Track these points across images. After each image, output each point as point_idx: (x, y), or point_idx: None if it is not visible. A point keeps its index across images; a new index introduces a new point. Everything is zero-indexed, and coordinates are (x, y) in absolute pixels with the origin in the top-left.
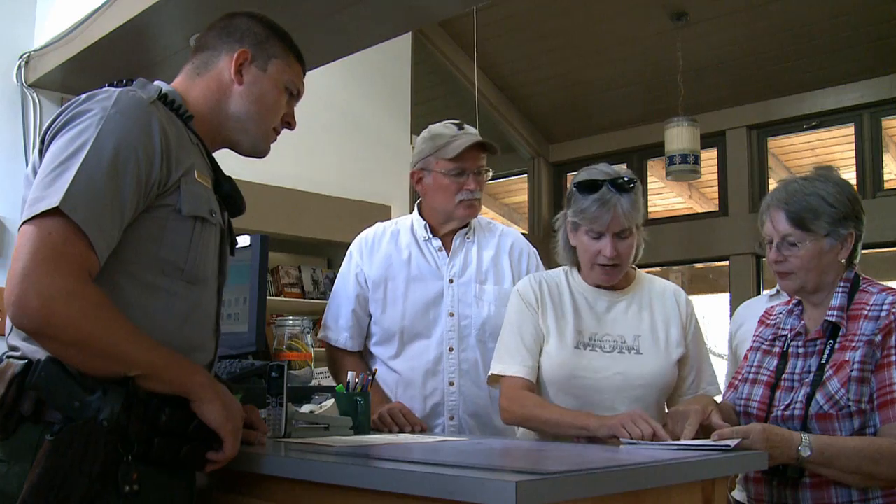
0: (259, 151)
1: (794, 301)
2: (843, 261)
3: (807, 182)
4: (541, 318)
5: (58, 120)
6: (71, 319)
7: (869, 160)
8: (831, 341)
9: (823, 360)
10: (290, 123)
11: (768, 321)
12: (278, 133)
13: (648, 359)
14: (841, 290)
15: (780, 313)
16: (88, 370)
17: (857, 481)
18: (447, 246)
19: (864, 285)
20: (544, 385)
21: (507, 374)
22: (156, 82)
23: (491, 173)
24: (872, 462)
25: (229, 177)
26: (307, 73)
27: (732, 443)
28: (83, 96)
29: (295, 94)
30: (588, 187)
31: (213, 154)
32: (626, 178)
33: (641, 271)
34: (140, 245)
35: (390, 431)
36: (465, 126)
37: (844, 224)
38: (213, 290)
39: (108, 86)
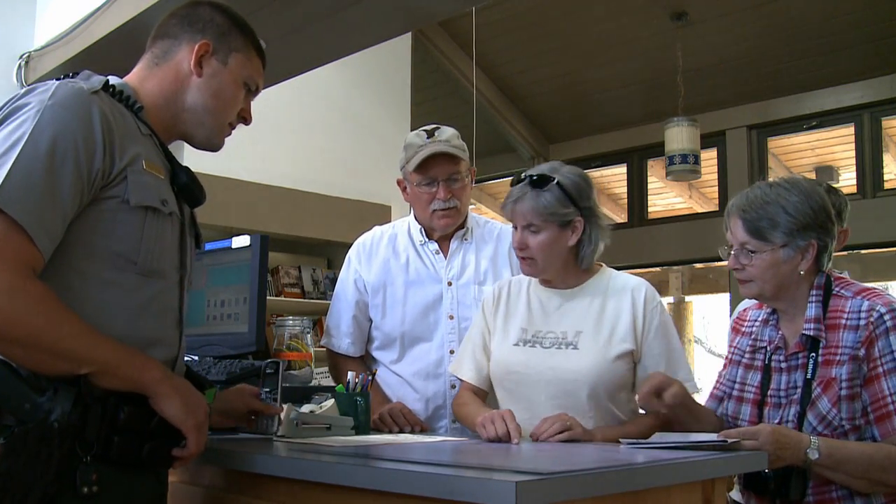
0: (213, 145)
1: (768, 309)
2: (803, 272)
3: (770, 189)
4: (492, 319)
5: None
6: (14, 315)
7: (869, 160)
8: (813, 354)
9: (809, 376)
10: (245, 119)
11: (742, 328)
12: (233, 128)
13: (583, 354)
14: (814, 298)
15: (755, 320)
16: (38, 369)
17: (864, 486)
18: (444, 248)
19: (838, 289)
20: (493, 382)
21: (461, 376)
22: (108, 77)
23: (469, 178)
24: (880, 469)
25: (186, 167)
26: (307, 73)
27: (729, 440)
28: (22, 91)
29: (253, 90)
30: (515, 182)
31: (206, 152)
32: (537, 176)
33: (610, 269)
34: (89, 239)
35: (390, 431)
36: (438, 132)
37: (804, 235)
38: (174, 283)
39: (56, 80)
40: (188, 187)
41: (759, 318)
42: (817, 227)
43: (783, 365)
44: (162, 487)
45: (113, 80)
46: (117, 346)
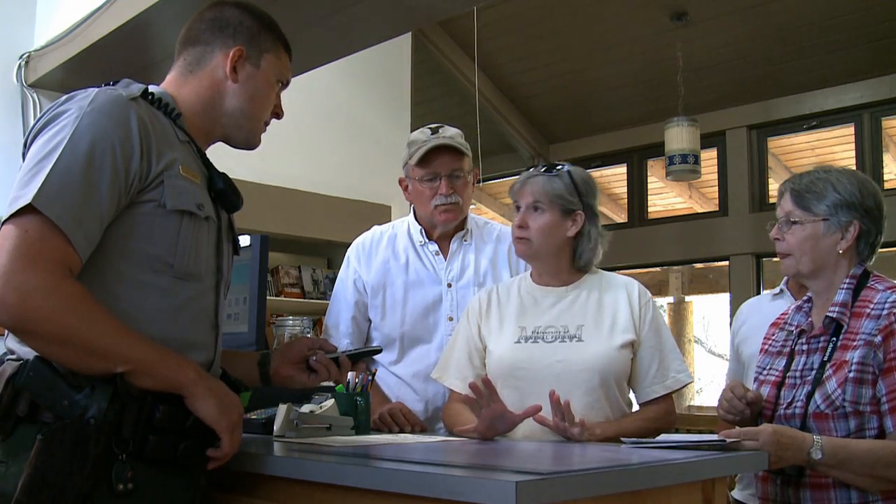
0: (252, 145)
1: (804, 297)
2: (842, 251)
3: (826, 172)
4: (484, 325)
5: (38, 123)
6: (49, 314)
7: (869, 160)
8: (834, 338)
9: (825, 358)
10: (278, 114)
11: (781, 324)
12: (268, 124)
13: (589, 345)
14: (846, 286)
15: (792, 313)
16: (75, 367)
17: (869, 484)
18: (444, 250)
19: (872, 282)
20: (494, 382)
21: (446, 384)
22: (148, 85)
23: (471, 177)
24: (886, 466)
25: (224, 173)
26: (307, 74)
27: (729, 440)
28: (63, 98)
29: (284, 84)
30: (526, 170)
31: (209, 150)
32: (549, 163)
33: (601, 270)
34: (126, 242)
35: (390, 431)
36: (442, 130)
37: (847, 212)
38: (210, 287)
39: (96, 88)
40: (225, 193)
41: (794, 307)
42: (861, 209)
43: (805, 347)
44: (197, 487)
45: (152, 88)
46: (152, 346)
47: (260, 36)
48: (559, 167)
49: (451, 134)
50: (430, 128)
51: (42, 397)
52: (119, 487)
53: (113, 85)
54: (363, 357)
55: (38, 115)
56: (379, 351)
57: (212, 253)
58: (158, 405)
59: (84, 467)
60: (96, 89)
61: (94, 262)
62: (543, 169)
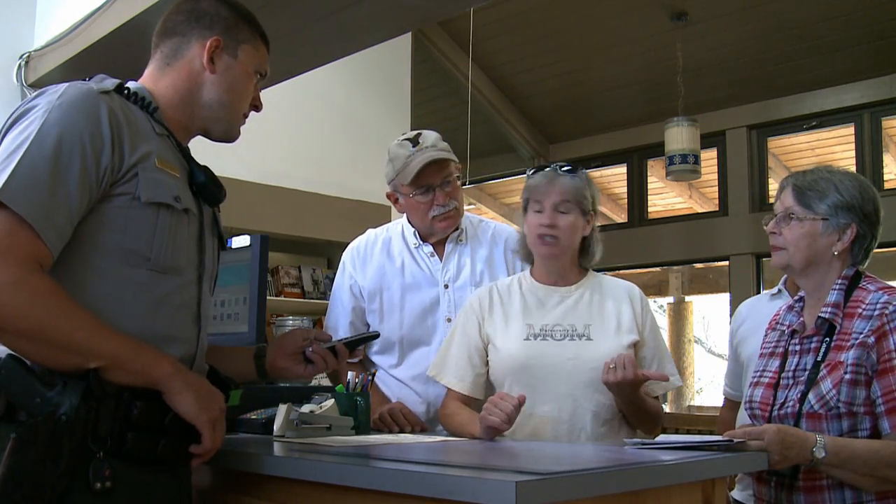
0: (230, 137)
1: (796, 297)
2: (836, 253)
3: (829, 171)
4: (487, 323)
5: (9, 120)
6: (18, 308)
7: (869, 160)
8: (827, 339)
9: (819, 359)
10: (257, 106)
11: (776, 326)
12: (247, 116)
13: (599, 343)
14: (838, 286)
15: (784, 312)
16: (47, 364)
17: (870, 484)
18: (439, 251)
19: (864, 283)
20: (500, 380)
21: (444, 382)
22: (127, 81)
23: (460, 181)
24: (887, 465)
25: (205, 167)
26: (307, 73)
27: (735, 440)
28: (34, 94)
29: (263, 76)
30: (539, 169)
31: (207, 148)
32: (568, 164)
33: (597, 273)
34: (101, 236)
35: (390, 431)
36: (421, 139)
37: (846, 214)
38: (192, 280)
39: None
40: (206, 186)
41: (786, 306)
42: (860, 213)
43: (797, 347)
44: (181, 485)
45: (129, 83)
46: (127, 340)
47: (237, 27)
48: (572, 167)
49: (432, 142)
50: (408, 139)
51: (15, 395)
52: (97, 486)
53: (87, 81)
54: (360, 344)
55: (11, 112)
56: (376, 335)
57: (193, 246)
58: (136, 401)
59: (58, 465)
60: (67, 84)
61: (69, 257)
62: (564, 169)
